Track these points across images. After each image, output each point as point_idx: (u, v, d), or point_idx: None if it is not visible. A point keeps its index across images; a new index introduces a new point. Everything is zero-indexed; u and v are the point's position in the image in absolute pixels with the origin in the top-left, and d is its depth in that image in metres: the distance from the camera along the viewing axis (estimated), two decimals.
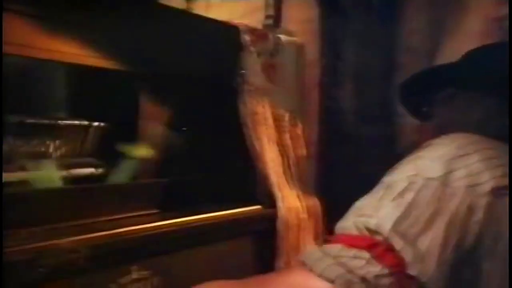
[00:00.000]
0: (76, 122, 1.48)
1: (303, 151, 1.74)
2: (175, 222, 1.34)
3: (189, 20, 1.56)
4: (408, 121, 2.51)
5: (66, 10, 1.21)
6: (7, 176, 1.25)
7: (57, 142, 1.46)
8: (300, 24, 2.48)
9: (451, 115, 1.10)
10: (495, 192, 0.84)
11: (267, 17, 2.39)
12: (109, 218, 1.30)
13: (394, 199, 0.84)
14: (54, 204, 1.21)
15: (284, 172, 1.64)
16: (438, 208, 0.81)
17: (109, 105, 1.54)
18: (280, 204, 1.57)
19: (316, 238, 1.62)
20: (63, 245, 1.06)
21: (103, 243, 1.14)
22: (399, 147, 2.36)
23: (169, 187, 1.48)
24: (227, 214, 1.49)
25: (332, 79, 2.37)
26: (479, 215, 0.82)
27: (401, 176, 0.88)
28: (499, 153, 0.90)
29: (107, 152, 1.51)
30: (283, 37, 1.74)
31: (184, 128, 1.62)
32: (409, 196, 0.83)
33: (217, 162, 1.63)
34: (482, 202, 0.83)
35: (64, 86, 1.64)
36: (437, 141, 0.96)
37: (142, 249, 1.23)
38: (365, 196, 0.93)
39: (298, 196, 1.64)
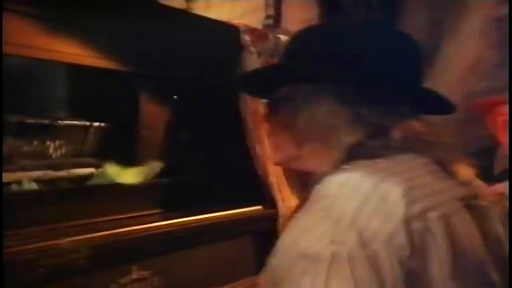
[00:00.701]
0: (76, 122, 1.48)
1: None
2: (175, 222, 1.34)
3: (189, 20, 1.56)
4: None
5: (66, 10, 1.21)
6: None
7: (57, 142, 1.46)
8: (300, 24, 2.47)
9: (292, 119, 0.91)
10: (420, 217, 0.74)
11: (267, 17, 2.39)
12: (109, 218, 1.30)
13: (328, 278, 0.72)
14: (54, 204, 1.21)
15: (285, 173, 1.63)
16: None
17: (109, 105, 1.54)
18: (280, 204, 1.57)
19: None
20: (63, 245, 1.06)
21: (103, 243, 1.14)
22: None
23: (170, 187, 1.48)
24: (227, 214, 1.49)
25: None
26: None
27: (320, 244, 0.74)
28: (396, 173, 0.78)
29: (107, 152, 1.52)
30: (283, 37, 1.74)
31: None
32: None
33: (218, 163, 1.63)
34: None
35: (64, 86, 1.64)
36: (325, 192, 0.79)
37: (142, 249, 1.23)
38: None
39: (299, 197, 1.64)
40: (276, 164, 0.99)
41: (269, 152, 1.00)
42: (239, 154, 1.60)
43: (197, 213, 1.40)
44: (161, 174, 1.53)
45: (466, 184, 0.86)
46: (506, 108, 1.91)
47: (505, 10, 2.31)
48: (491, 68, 2.39)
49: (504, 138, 1.95)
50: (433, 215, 0.76)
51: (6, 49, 1.09)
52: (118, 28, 1.32)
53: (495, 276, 0.80)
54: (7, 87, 1.21)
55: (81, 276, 1.08)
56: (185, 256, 1.33)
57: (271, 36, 1.70)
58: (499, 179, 1.87)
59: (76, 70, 1.56)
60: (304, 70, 0.89)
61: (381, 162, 0.81)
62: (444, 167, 0.86)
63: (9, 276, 0.94)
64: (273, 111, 0.95)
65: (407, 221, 0.74)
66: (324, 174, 0.82)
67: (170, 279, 1.28)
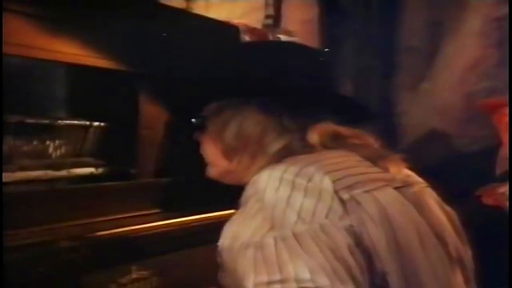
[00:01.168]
0: (76, 122, 1.48)
1: None
2: (175, 222, 1.34)
3: (189, 20, 1.56)
4: (408, 121, 2.52)
5: (66, 10, 1.21)
6: None
7: (57, 142, 1.46)
8: (300, 24, 2.48)
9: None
10: (344, 190, 0.77)
11: (267, 17, 2.39)
12: (109, 218, 1.30)
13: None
14: (54, 204, 1.21)
15: None
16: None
17: (109, 105, 1.54)
18: None
19: None
20: (63, 245, 1.06)
21: (102, 243, 1.14)
22: (399, 146, 2.37)
23: (169, 187, 1.48)
24: (227, 214, 1.49)
25: None
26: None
27: (261, 232, 0.75)
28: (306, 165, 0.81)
29: (107, 152, 1.52)
30: (282, 37, 1.74)
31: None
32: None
33: None
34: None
35: (64, 86, 1.64)
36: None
37: (141, 249, 1.23)
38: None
39: None
40: (212, 177, 1.04)
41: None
42: None
43: (197, 213, 1.40)
44: (161, 174, 1.54)
45: (397, 176, 0.88)
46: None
47: (505, 10, 2.32)
48: (491, 68, 2.40)
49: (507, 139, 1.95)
50: (359, 190, 0.79)
51: (6, 49, 1.09)
52: (118, 28, 1.32)
53: (433, 248, 0.82)
54: (7, 87, 1.21)
55: (81, 276, 1.09)
56: (185, 256, 1.33)
57: (270, 36, 1.71)
58: (501, 180, 1.88)
59: (76, 70, 1.56)
60: (232, 86, 0.95)
61: (302, 156, 0.86)
62: (374, 163, 0.88)
63: (9, 276, 0.94)
64: (201, 129, 1.01)
65: (337, 194, 0.77)
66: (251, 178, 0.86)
67: (169, 279, 1.28)
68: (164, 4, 1.57)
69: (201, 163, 1.47)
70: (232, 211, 1.51)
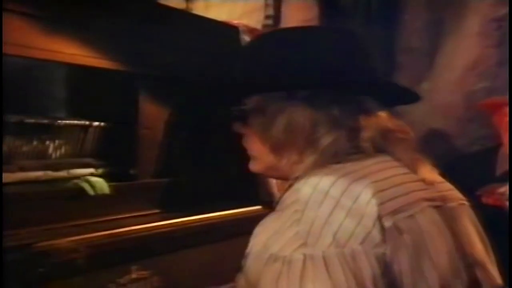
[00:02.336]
0: (76, 121, 1.48)
1: None
2: (175, 222, 1.34)
3: (189, 20, 1.56)
4: (408, 121, 2.52)
5: (66, 10, 1.21)
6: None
7: (57, 142, 1.46)
8: (300, 24, 2.48)
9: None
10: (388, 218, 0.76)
11: (267, 17, 2.39)
12: (109, 218, 1.30)
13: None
14: (54, 204, 1.21)
15: None
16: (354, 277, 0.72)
17: (109, 105, 1.54)
18: None
19: None
20: (62, 245, 1.06)
21: (102, 243, 1.14)
22: None
23: (169, 187, 1.48)
24: (227, 214, 1.49)
25: None
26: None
27: (292, 247, 0.74)
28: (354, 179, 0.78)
29: (107, 152, 1.52)
30: None
31: None
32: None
33: (217, 163, 1.63)
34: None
35: (64, 86, 1.64)
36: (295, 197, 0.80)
37: (141, 249, 1.23)
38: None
39: None
40: (254, 172, 1.01)
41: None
42: (239, 154, 1.60)
43: (197, 213, 1.40)
44: (161, 174, 1.54)
45: (430, 183, 0.87)
46: None
47: (504, 10, 2.32)
48: (490, 68, 2.40)
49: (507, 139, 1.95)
50: (402, 215, 0.78)
51: (6, 49, 1.09)
52: (118, 28, 1.32)
53: (465, 271, 0.82)
54: (7, 87, 1.21)
55: (81, 276, 1.09)
56: (185, 256, 1.33)
57: None
58: (501, 180, 1.88)
59: (76, 70, 1.56)
60: (273, 80, 0.90)
61: (350, 166, 0.82)
62: (410, 168, 0.87)
63: (9, 276, 0.94)
64: (243, 122, 0.95)
65: (380, 221, 0.75)
66: (296, 178, 0.83)
67: (169, 279, 1.28)
68: (164, 5, 1.57)
69: (201, 164, 1.48)
70: (231, 211, 1.52)
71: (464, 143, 2.44)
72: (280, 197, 0.84)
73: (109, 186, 1.35)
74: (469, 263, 0.84)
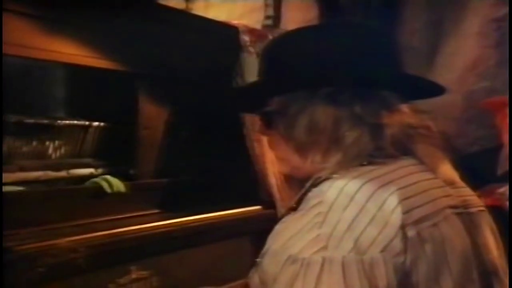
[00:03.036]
0: (76, 122, 1.48)
1: None
2: (175, 222, 1.34)
3: (189, 20, 1.56)
4: None
5: (66, 10, 1.21)
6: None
7: (57, 142, 1.46)
8: (300, 24, 2.48)
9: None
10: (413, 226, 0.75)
11: (266, 17, 2.39)
12: (108, 218, 1.30)
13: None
14: (54, 204, 1.21)
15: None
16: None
17: (109, 105, 1.54)
18: (279, 204, 1.57)
19: None
20: (62, 245, 1.06)
21: (102, 243, 1.14)
22: None
23: (169, 187, 1.48)
24: (226, 214, 1.49)
25: None
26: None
27: (312, 250, 0.74)
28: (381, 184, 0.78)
29: (107, 153, 1.52)
30: None
31: None
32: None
33: (217, 163, 1.63)
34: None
35: (64, 86, 1.64)
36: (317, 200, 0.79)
37: (141, 249, 1.23)
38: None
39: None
40: (284, 173, 1.00)
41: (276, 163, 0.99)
42: (239, 154, 1.60)
43: (197, 213, 1.40)
44: (161, 174, 1.54)
45: (451, 184, 0.86)
46: None
47: (504, 10, 2.32)
48: (490, 68, 2.40)
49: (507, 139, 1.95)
50: (426, 224, 0.77)
51: (6, 49, 1.09)
52: (118, 28, 1.32)
53: (477, 279, 0.82)
54: (7, 87, 1.21)
55: (80, 276, 1.09)
56: (185, 256, 1.33)
57: (270, 37, 1.70)
58: (502, 180, 1.88)
59: (76, 70, 1.56)
60: (294, 79, 0.89)
61: (376, 170, 0.81)
62: (431, 168, 0.86)
63: (9, 276, 0.94)
64: (267, 124, 0.94)
65: (403, 230, 0.75)
66: (321, 178, 0.82)
67: (169, 279, 1.28)
68: (164, 5, 1.57)
69: (201, 164, 1.48)
70: (231, 211, 1.52)
71: (463, 143, 2.44)
72: (301, 197, 0.83)
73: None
74: (485, 271, 0.84)
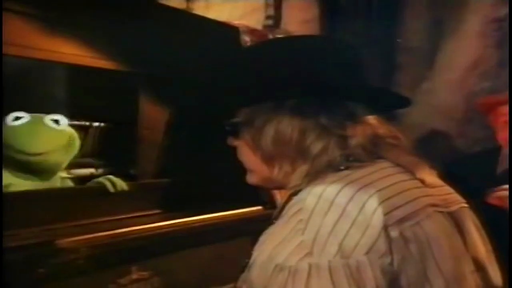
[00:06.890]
0: (76, 122, 1.48)
1: None
2: (175, 223, 1.33)
3: (189, 21, 1.56)
4: (408, 121, 2.52)
5: (66, 10, 1.21)
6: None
7: None
8: (300, 24, 2.48)
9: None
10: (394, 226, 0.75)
11: (267, 17, 2.39)
12: (109, 218, 1.30)
13: None
14: (54, 204, 1.21)
15: None
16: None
17: (109, 105, 1.54)
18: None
19: None
20: (63, 245, 1.06)
21: (103, 243, 1.14)
22: None
23: (170, 187, 1.48)
24: (227, 214, 1.49)
25: None
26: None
27: (297, 257, 0.74)
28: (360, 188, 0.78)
29: (107, 153, 1.52)
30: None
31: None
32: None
33: (218, 163, 1.63)
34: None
35: (64, 86, 1.64)
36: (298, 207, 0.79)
37: (142, 249, 1.23)
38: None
39: None
40: (253, 184, 1.01)
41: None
42: None
43: (197, 214, 1.40)
44: (161, 175, 1.54)
45: (432, 187, 0.86)
46: (507, 109, 1.91)
47: (504, 10, 2.32)
48: (491, 68, 2.40)
49: (503, 138, 1.95)
50: (409, 223, 0.77)
51: (6, 49, 1.09)
52: (118, 28, 1.32)
53: (469, 275, 0.82)
54: (7, 87, 1.21)
55: (81, 276, 1.08)
56: (185, 256, 1.33)
57: (271, 37, 1.70)
58: (501, 180, 1.88)
59: (76, 70, 1.56)
60: (259, 91, 0.90)
61: (353, 173, 0.82)
62: (410, 172, 0.86)
63: (9, 276, 0.94)
64: (235, 135, 0.96)
65: (386, 230, 0.75)
66: (298, 186, 0.83)
67: (169, 280, 1.28)
68: (164, 5, 1.57)
69: (202, 164, 1.47)
70: (232, 211, 1.52)
71: (464, 143, 2.44)
72: (282, 206, 0.84)
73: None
74: (473, 267, 0.84)
